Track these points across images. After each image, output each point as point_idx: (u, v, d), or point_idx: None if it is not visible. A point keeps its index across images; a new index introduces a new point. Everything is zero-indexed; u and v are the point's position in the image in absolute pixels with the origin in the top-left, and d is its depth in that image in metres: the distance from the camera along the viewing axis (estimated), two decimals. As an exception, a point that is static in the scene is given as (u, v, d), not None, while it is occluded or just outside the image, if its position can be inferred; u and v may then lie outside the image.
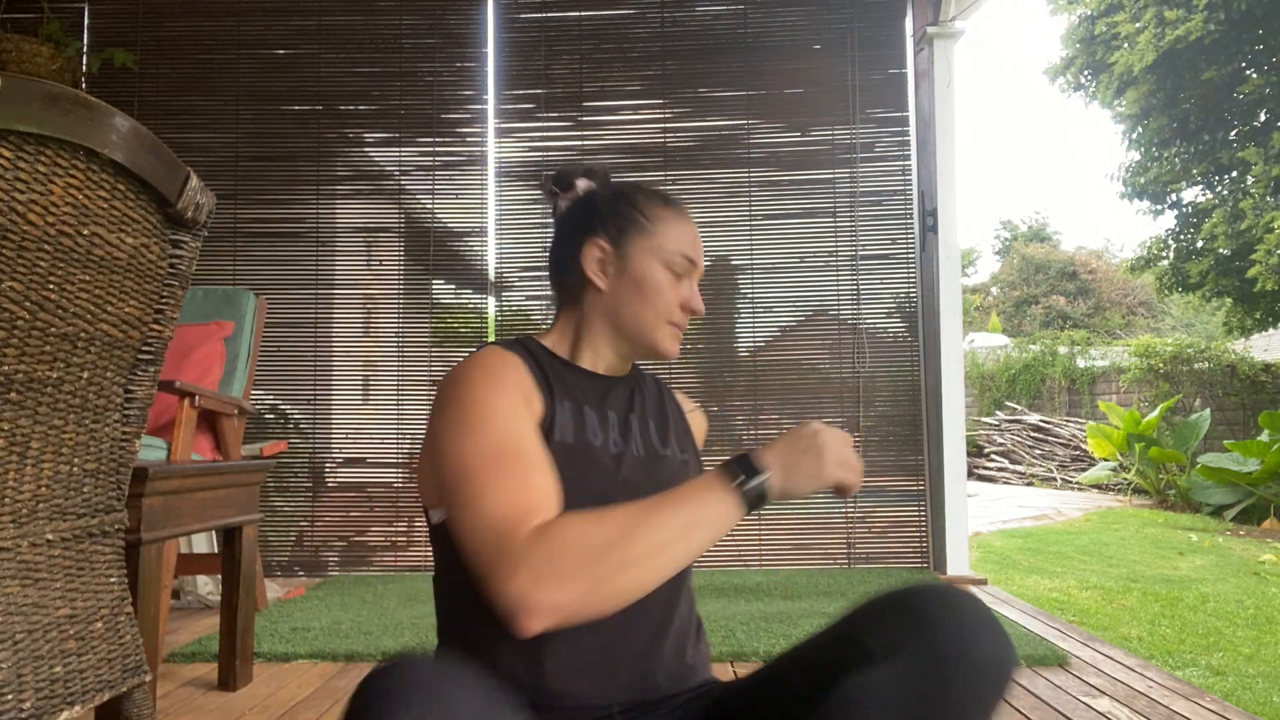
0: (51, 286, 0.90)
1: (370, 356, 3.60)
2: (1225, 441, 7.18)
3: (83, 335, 0.96)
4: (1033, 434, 10.15)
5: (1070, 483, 9.18)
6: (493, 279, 3.57)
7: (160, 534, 1.44)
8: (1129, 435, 8.02)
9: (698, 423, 1.07)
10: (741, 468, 0.76)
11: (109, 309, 0.99)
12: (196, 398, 2.02)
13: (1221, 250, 9.68)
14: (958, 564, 3.25)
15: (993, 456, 10.32)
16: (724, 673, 1.50)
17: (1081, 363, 10.91)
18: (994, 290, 25.40)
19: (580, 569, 0.68)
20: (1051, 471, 9.55)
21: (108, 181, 0.93)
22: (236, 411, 2.33)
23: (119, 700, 1.07)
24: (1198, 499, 6.97)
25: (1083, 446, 9.49)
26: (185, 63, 3.59)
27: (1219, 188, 9.98)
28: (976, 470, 10.06)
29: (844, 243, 3.52)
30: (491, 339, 3.61)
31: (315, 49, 3.61)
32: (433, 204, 3.60)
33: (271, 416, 3.51)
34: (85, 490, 1.03)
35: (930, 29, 3.39)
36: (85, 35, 3.56)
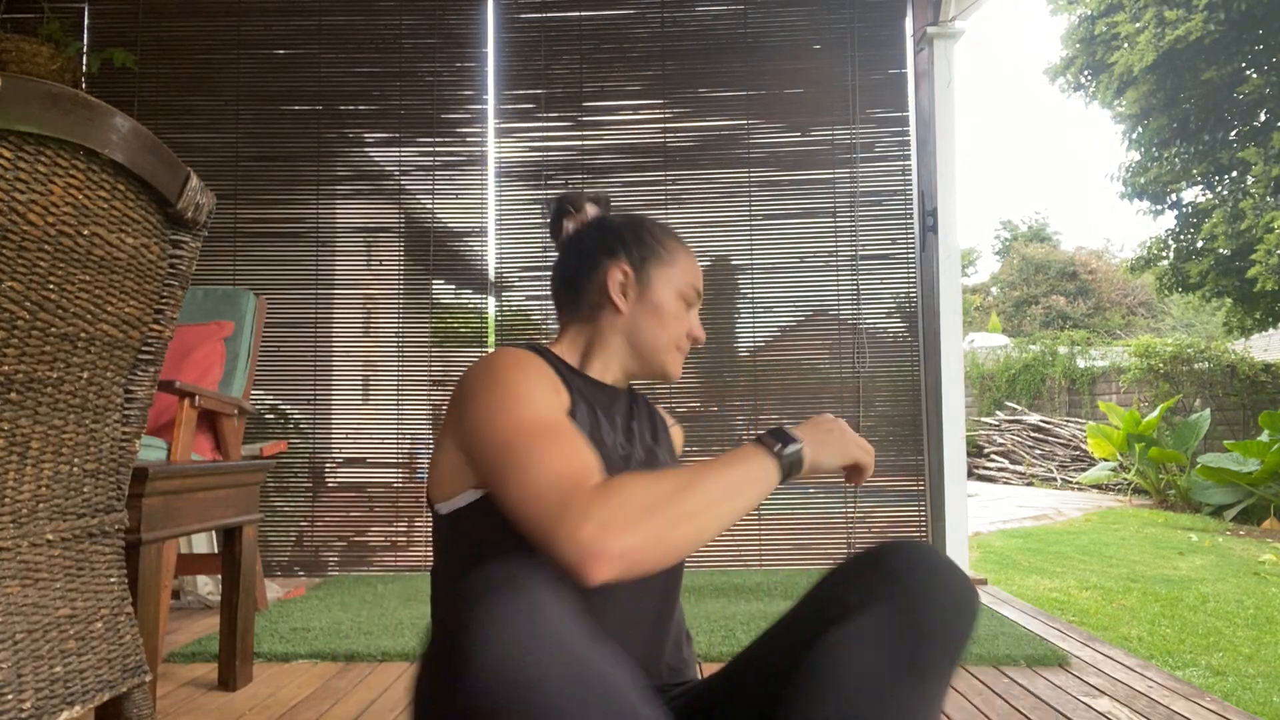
0: (51, 286, 0.90)
1: (370, 356, 3.60)
2: (1225, 441, 7.18)
3: (83, 335, 0.96)
4: (1033, 434, 10.15)
5: (1070, 483, 9.19)
6: (493, 279, 3.57)
7: (160, 534, 1.44)
8: (1129, 435, 8.02)
9: (677, 435, 1.16)
10: (778, 438, 0.84)
11: (109, 309, 0.99)
12: (196, 398, 2.02)
13: (1221, 250, 9.68)
14: (957, 563, 3.24)
15: (993, 456, 10.32)
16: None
17: (1081, 363, 10.92)
18: (994, 290, 25.40)
19: (645, 518, 0.72)
20: (1051, 471, 9.55)
21: (108, 181, 0.93)
22: (236, 411, 2.33)
23: (119, 700, 1.07)
24: (1198, 499, 6.97)
25: (1083, 447, 9.49)
26: (185, 63, 3.59)
27: (1219, 188, 9.98)
28: (976, 470, 10.07)
29: (844, 243, 3.52)
30: (492, 339, 3.62)
31: (315, 49, 3.61)
32: (433, 204, 3.60)
33: (271, 416, 3.51)
34: (85, 490, 1.03)
35: (930, 29, 3.39)
36: (85, 35, 3.56)
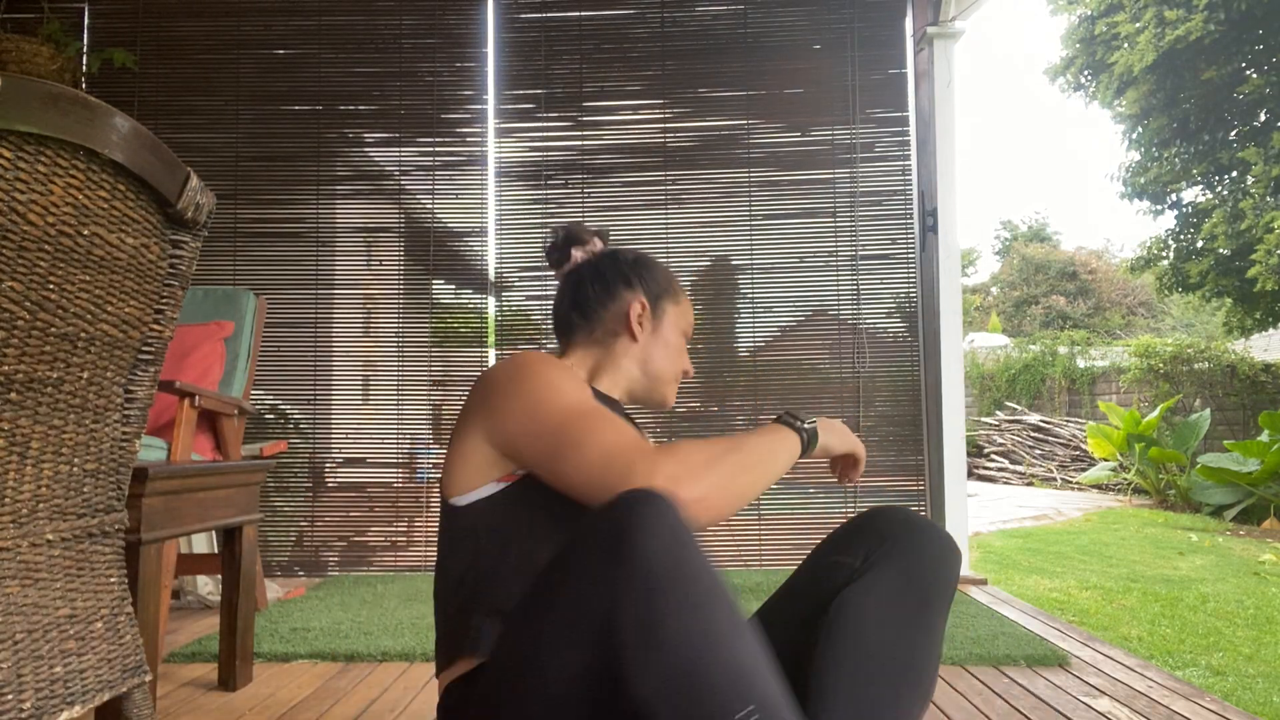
0: (51, 286, 0.90)
1: (370, 356, 3.60)
2: (1225, 441, 7.18)
3: (83, 335, 0.96)
4: (1033, 434, 10.15)
5: (1070, 483, 9.19)
6: (493, 279, 3.57)
7: (160, 534, 1.44)
8: (1129, 435, 8.02)
9: None
10: (793, 417, 0.99)
11: (109, 309, 0.99)
12: (196, 398, 2.02)
13: (1221, 250, 9.67)
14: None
15: (993, 456, 10.32)
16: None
17: (1081, 363, 10.92)
18: (994, 290, 25.40)
19: (707, 470, 0.83)
20: (1051, 471, 9.55)
21: (108, 181, 0.93)
22: (236, 411, 2.33)
23: (119, 700, 1.07)
24: (1198, 499, 6.97)
25: (1083, 446, 9.49)
26: (185, 63, 3.59)
27: (1219, 188, 9.98)
28: (976, 470, 10.07)
29: (844, 243, 3.52)
30: (492, 339, 3.62)
31: (315, 49, 3.61)
32: (433, 204, 3.60)
33: (271, 416, 3.52)
34: (85, 490, 1.03)
35: (930, 29, 3.39)
36: (85, 35, 3.56)
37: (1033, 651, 2.14)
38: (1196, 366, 8.89)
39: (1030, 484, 9.48)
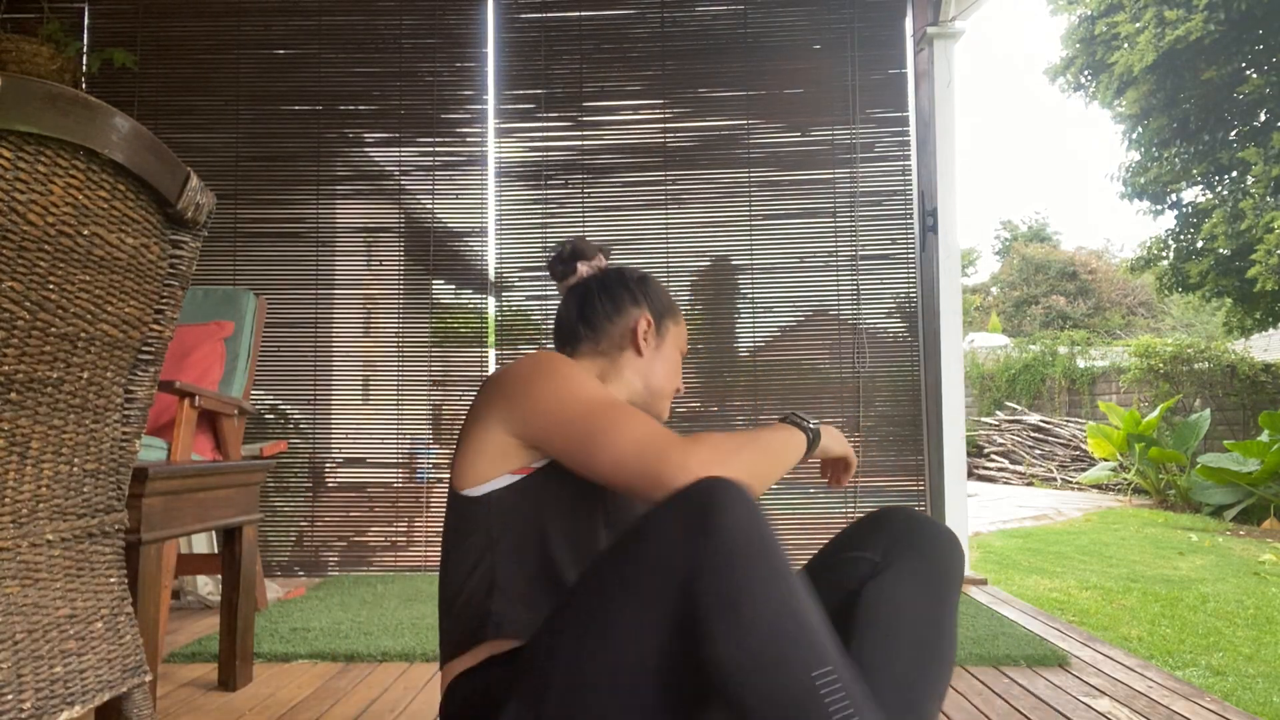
0: (51, 286, 0.90)
1: (370, 356, 3.60)
2: (1225, 441, 7.18)
3: (83, 335, 0.96)
4: (1033, 434, 10.15)
5: (1070, 483, 9.18)
6: (493, 279, 3.57)
7: (160, 534, 1.44)
8: (1129, 435, 8.01)
9: None
10: (799, 418, 1.05)
11: (109, 309, 0.99)
12: (196, 398, 2.02)
13: (1221, 250, 9.67)
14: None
15: (993, 456, 10.32)
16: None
17: (1081, 363, 10.92)
18: (994, 290, 25.39)
19: (735, 455, 0.89)
20: (1051, 471, 9.55)
21: (108, 182, 0.93)
22: (236, 411, 2.33)
23: (119, 700, 1.07)
24: (1198, 499, 6.97)
25: (1083, 446, 9.49)
26: (185, 63, 3.59)
27: (1219, 188, 9.97)
28: (976, 470, 10.06)
29: (844, 243, 3.52)
30: (492, 339, 3.62)
31: (315, 49, 3.61)
32: (433, 204, 3.60)
33: (271, 416, 3.51)
34: (85, 490, 1.03)
35: (930, 29, 3.39)
36: (85, 35, 3.56)
37: (1033, 651, 2.14)
38: (1196, 366, 8.88)
39: (1030, 484, 9.48)
